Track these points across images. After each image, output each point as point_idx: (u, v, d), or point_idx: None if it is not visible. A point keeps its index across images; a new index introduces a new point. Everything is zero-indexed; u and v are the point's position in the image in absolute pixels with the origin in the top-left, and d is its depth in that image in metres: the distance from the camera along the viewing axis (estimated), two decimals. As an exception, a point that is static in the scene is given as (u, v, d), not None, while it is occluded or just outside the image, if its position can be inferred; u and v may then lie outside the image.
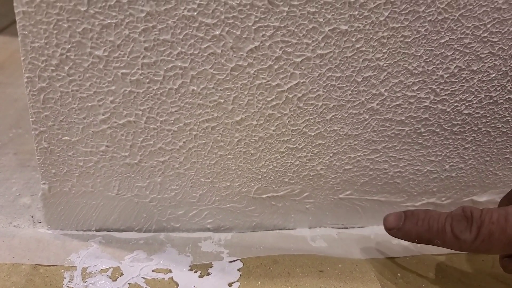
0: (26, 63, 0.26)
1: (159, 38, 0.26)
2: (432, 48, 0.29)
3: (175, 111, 0.29)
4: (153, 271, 0.30)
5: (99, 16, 0.25)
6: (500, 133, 0.34)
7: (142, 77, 0.27)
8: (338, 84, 0.29)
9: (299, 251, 0.33)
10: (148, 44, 0.26)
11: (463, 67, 0.30)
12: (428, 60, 0.30)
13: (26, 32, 0.25)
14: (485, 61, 0.30)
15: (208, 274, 0.30)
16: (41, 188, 0.30)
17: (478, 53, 0.30)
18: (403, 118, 0.32)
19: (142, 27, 0.26)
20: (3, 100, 0.51)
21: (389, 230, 0.29)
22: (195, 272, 0.30)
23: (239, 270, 0.30)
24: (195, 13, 0.26)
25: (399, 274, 0.32)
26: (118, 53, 0.26)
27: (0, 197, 0.35)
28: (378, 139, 0.32)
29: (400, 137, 0.33)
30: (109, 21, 0.25)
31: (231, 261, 0.31)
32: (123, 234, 0.33)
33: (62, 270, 0.29)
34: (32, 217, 0.33)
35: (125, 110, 0.28)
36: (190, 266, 0.30)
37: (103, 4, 0.24)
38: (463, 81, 0.31)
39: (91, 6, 0.25)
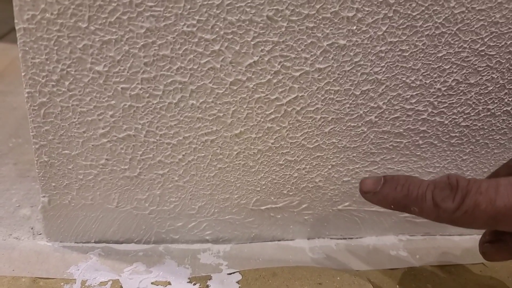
0: (27, 78, 0.26)
1: (159, 54, 0.26)
2: (430, 62, 0.29)
3: (175, 125, 0.29)
4: (152, 283, 0.30)
5: (99, 33, 0.25)
6: (498, 144, 0.34)
7: (141, 92, 0.27)
8: (336, 98, 0.30)
9: (298, 262, 0.33)
10: (148, 59, 0.26)
11: (461, 80, 0.31)
12: (426, 73, 0.30)
13: (27, 48, 0.25)
14: (483, 74, 0.31)
15: (207, 286, 0.30)
16: (41, 201, 0.30)
17: (476, 66, 0.30)
18: (401, 130, 0.32)
19: (142, 43, 0.26)
20: (3, 108, 0.51)
21: (364, 193, 0.26)
22: (194, 284, 0.30)
23: (237, 282, 0.30)
24: (195, 29, 0.26)
25: (397, 286, 0.32)
26: (118, 68, 0.26)
27: (0, 208, 0.35)
28: (376, 151, 0.33)
29: (398, 149, 0.33)
30: (109, 37, 0.25)
31: (230, 273, 0.31)
32: (123, 246, 0.33)
33: (62, 283, 0.29)
34: (32, 228, 0.33)
35: (124, 124, 0.28)
36: (189, 278, 0.30)
37: (104, 20, 0.25)
38: (461, 94, 0.31)
39: (91, 23, 0.25)
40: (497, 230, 0.26)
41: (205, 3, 0.25)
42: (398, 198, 0.24)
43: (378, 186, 0.25)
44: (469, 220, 0.22)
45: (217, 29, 0.26)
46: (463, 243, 0.37)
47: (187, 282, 0.30)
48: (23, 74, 0.26)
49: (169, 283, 0.30)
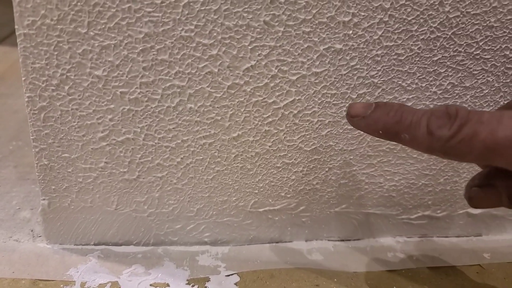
0: (27, 83, 0.26)
1: (157, 58, 0.27)
2: (426, 66, 0.30)
3: (173, 128, 0.29)
4: (151, 285, 0.30)
5: (98, 38, 0.25)
6: (494, 147, 0.34)
7: (140, 96, 0.28)
8: (333, 101, 0.30)
9: (296, 264, 0.33)
10: (147, 64, 0.27)
11: (456, 83, 0.31)
12: (421, 77, 0.30)
13: (27, 54, 0.25)
14: (478, 77, 0.31)
15: (206, 288, 0.30)
16: (41, 203, 0.31)
17: (471, 70, 0.31)
18: (398, 133, 0.32)
19: (140, 48, 0.26)
20: (4, 111, 0.52)
21: (352, 117, 0.24)
22: (192, 286, 0.30)
23: (236, 284, 0.31)
24: (192, 34, 0.26)
25: (394, 287, 0.32)
26: (117, 73, 0.27)
27: (0, 210, 0.36)
28: (373, 154, 0.33)
29: (395, 151, 0.33)
30: (108, 42, 0.26)
31: (228, 275, 0.31)
32: (122, 248, 0.33)
33: (61, 285, 0.29)
34: (32, 231, 0.34)
35: (123, 128, 0.29)
36: (187, 280, 0.31)
37: (103, 26, 0.25)
38: (456, 97, 0.31)
39: (91, 28, 0.25)
40: (488, 174, 0.25)
41: (203, 8, 0.25)
42: (389, 124, 0.23)
43: (368, 110, 0.23)
44: (464, 149, 0.20)
45: (214, 34, 0.26)
46: (460, 244, 0.37)
47: (186, 284, 0.30)
48: (23, 78, 0.26)
49: (168, 285, 0.30)
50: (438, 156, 0.22)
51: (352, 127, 0.31)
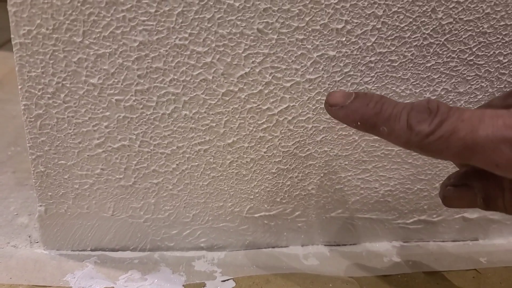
0: (24, 91, 0.26)
1: (152, 66, 0.27)
2: (419, 72, 0.30)
3: (168, 135, 0.29)
4: (147, 291, 0.30)
5: (93, 46, 0.26)
6: (489, 152, 0.35)
7: (135, 103, 0.28)
8: (327, 107, 0.30)
9: (292, 269, 0.33)
10: (141, 71, 0.27)
11: (450, 89, 0.31)
12: (415, 83, 0.30)
13: (23, 62, 0.26)
14: (472, 83, 0.31)
15: (201, 294, 0.30)
16: (38, 210, 0.31)
17: (465, 75, 0.31)
18: (392, 138, 0.32)
19: (135, 56, 0.26)
20: (2, 117, 0.52)
21: (330, 106, 0.23)
22: (189, 292, 0.30)
23: (231, 289, 0.31)
24: (187, 42, 0.26)
25: (389, 293, 0.32)
26: (112, 81, 0.27)
27: (-2, 216, 0.36)
28: (368, 159, 0.33)
29: (390, 157, 0.33)
30: (103, 50, 0.26)
31: (224, 281, 0.31)
32: (118, 253, 0.33)
33: (58, 291, 0.29)
34: (29, 237, 0.34)
35: (119, 135, 0.29)
36: (183, 285, 0.31)
37: (98, 35, 0.25)
38: (450, 102, 0.32)
39: (86, 37, 0.25)
40: (465, 174, 0.24)
41: (197, 17, 0.26)
42: (367, 115, 0.22)
43: (347, 100, 0.23)
44: (442, 146, 0.20)
45: (208, 42, 0.27)
46: (456, 249, 0.37)
47: (182, 289, 0.31)
48: (19, 87, 0.26)
49: (164, 291, 0.30)
50: (415, 152, 0.21)
51: (347, 133, 0.31)
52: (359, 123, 0.22)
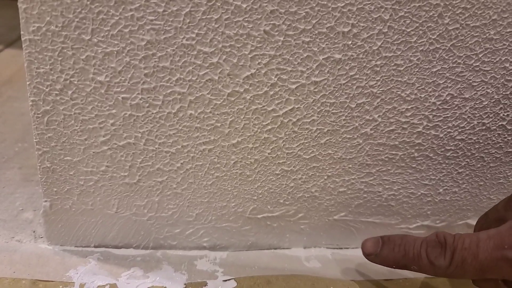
0: (32, 87, 0.27)
1: (159, 65, 0.27)
2: (425, 77, 0.30)
3: (173, 134, 0.30)
4: (148, 288, 0.30)
5: (101, 44, 0.26)
6: (494, 158, 0.35)
7: (141, 102, 0.28)
8: (332, 110, 0.30)
9: (293, 271, 0.33)
10: (148, 70, 0.27)
11: (455, 94, 0.31)
12: (420, 87, 0.30)
13: (32, 59, 0.26)
14: (477, 89, 0.31)
15: (202, 293, 0.30)
16: (43, 205, 0.31)
17: (470, 81, 0.31)
18: (397, 143, 0.32)
19: (142, 55, 0.27)
20: (11, 114, 0.52)
21: (367, 255, 0.29)
22: (190, 290, 0.30)
23: (232, 289, 0.31)
24: (194, 42, 0.27)
25: (390, 297, 0.32)
26: (119, 79, 0.27)
27: (3, 211, 0.36)
28: (372, 163, 0.33)
29: (394, 161, 0.33)
30: (111, 49, 0.26)
31: (225, 280, 0.32)
32: (121, 250, 0.34)
33: (61, 286, 0.30)
34: (34, 232, 0.34)
35: (125, 133, 0.29)
36: (185, 284, 0.31)
37: (106, 33, 0.26)
38: (456, 108, 0.32)
39: (94, 35, 0.26)
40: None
41: (204, 17, 0.26)
42: (397, 259, 0.27)
43: (377, 247, 0.28)
44: (461, 272, 0.25)
45: (215, 43, 0.27)
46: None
47: (183, 288, 0.31)
48: (28, 83, 0.27)
49: (165, 289, 0.30)
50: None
51: (351, 136, 0.31)
52: (394, 266, 0.28)
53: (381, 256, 0.28)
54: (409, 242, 0.27)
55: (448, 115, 0.32)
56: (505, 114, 0.32)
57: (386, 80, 0.30)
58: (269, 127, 0.30)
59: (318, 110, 0.30)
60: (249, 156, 0.31)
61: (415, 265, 0.26)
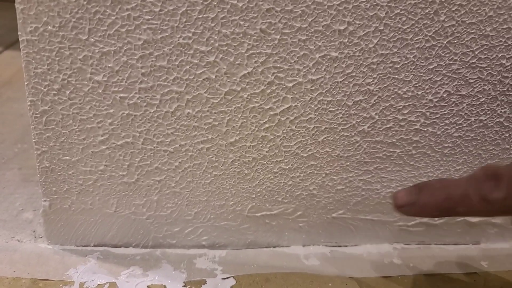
0: (30, 87, 0.27)
1: (156, 64, 0.27)
2: (421, 74, 0.30)
3: (171, 133, 0.30)
4: (148, 287, 0.30)
5: (99, 44, 0.26)
6: (492, 155, 0.35)
7: (139, 101, 0.28)
8: (329, 108, 0.30)
9: (292, 269, 0.33)
10: (145, 70, 0.27)
11: (452, 91, 0.31)
12: (417, 85, 0.30)
13: (29, 59, 0.26)
14: (474, 86, 0.31)
15: (201, 291, 0.30)
16: (42, 205, 0.31)
17: (467, 78, 0.31)
18: (394, 140, 0.32)
19: (139, 54, 0.27)
20: (10, 115, 0.53)
21: (400, 207, 0.25)
22: (189, 288, 0.31)
23: (231, 287, 0.31)
24: (190, 41, 0.27)
25: (389, 294, 0.32)
26: (116, 78, 0.27)
27: (3, 211, 0.36)
28: (369, 161, 0.33)
29: (391, 158, 0.33)
30: (108, 48, 0.26)
31: (224, 278, 0.32)
32: (121, 249, 0.34)
33: (61, 285, 0.30)
34: (34, 231, 0.34)
35: (123, 132, 0.29)
36: (184, 282, 0.31)
37: (103, 33, 0.26)
38: (453, 105, 0.32)
39: (91, 35, 0.26)
40: None
41: (200, 16, 0.26)
42: (440, 203, 0.24)
43: (413, 196, 0.25)
44: None
45: (212, 41, 0.27)
46: (457, 252, 0.37)
47: (182, 286, 0.31)
48: (26, 83, 0.27)
49: (165, 287, 0.31)
50: (493, 217, 0.23)
51: (349, 134, 0.31)
52: (435, 213, 0.24)
53: (420, 204, 0.24)
54: (450, 183, 0.24)
55: (445, 112, 0.32)
56: (502, 110, 0.33)
57: (383, 77, 0.30)
58: (267, 125, 0.30)
59: (315, 108, 0.30)
60: (247, 155, 0.31)
61: (463, 207, 0.23)
